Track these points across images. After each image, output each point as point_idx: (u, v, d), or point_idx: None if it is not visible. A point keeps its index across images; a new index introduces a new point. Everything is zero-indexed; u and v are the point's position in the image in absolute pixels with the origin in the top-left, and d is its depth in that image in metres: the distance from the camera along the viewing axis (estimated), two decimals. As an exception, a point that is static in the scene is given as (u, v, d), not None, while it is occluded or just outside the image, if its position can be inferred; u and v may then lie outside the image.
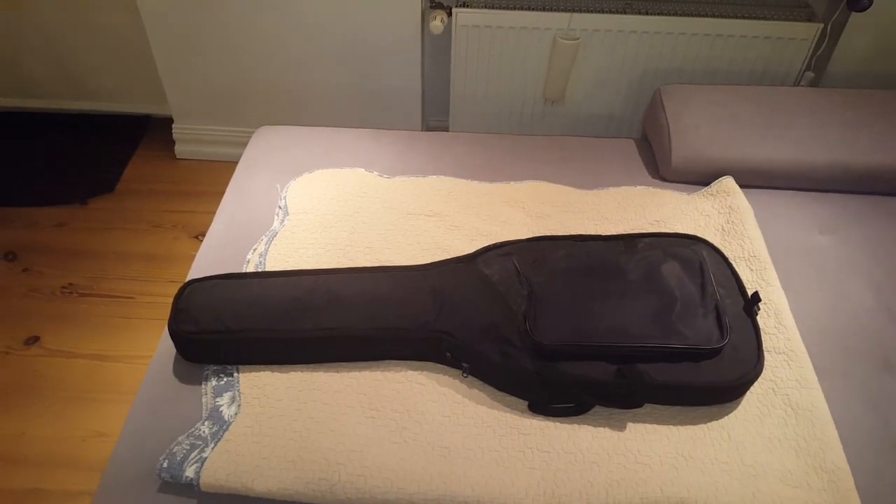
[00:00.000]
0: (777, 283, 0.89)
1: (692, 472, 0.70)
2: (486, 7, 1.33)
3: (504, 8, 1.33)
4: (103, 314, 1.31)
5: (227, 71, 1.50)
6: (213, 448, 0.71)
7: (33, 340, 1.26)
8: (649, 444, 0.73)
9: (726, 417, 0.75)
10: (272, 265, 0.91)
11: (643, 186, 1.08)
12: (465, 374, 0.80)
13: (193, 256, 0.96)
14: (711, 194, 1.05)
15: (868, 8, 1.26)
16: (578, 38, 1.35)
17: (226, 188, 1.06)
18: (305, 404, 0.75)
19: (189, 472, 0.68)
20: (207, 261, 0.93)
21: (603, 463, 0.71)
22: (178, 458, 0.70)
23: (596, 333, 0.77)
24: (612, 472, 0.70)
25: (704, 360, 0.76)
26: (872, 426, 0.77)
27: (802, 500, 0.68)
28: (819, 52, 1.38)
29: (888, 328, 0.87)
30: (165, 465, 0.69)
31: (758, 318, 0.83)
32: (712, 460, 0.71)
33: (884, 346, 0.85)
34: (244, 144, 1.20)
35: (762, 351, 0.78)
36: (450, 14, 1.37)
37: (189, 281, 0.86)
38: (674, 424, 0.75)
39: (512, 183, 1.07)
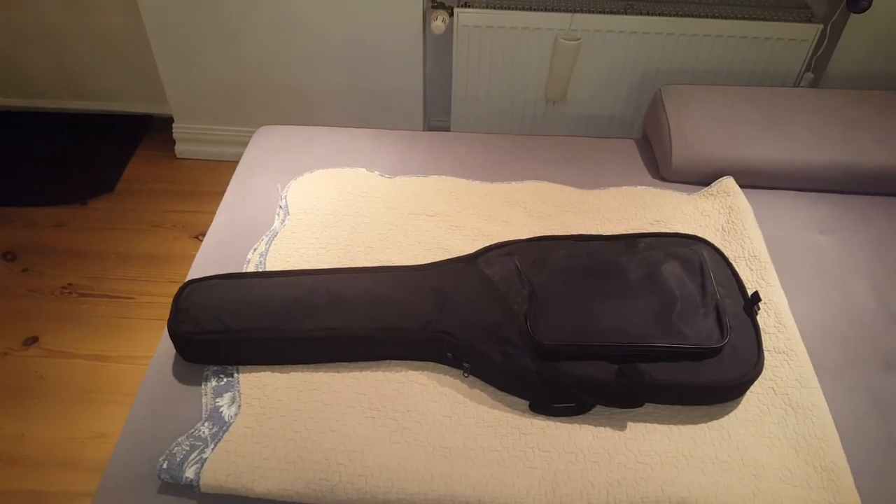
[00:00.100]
0: (777, 282, 0.89)
1: (693, 472, 0.70)
2: (487, 7, 1.33)
3: (505, 8, 1.33)
4: (103, 314, 1.31)
5: (228, 70, 1.50)
6: (213, 449, 0.70)
7: (33, 341, 1.26)
8: (650, 444, 0.73)
9: (726, 417, 0.76)
10: (272, 265, 0.91)
11: (644, 186, 1.08)
12: (465, 374, 0.80)
13: (194, 256, 0.96)
14: (712, 194, 1.05)
15: (867, 9, 1.26)
16: (580, 39, 1.35)
17: (226, 188, 1.06)
18: (306, 404, 0.75)
19: (189, 473, 0.68)
20: (207, 261, 0.93)
21: (604, 462, 0.71)
22: (178, 459, 0.69)
23: (596, 333, 0.77)
24: (612, 472, 0.70)
25: (705, 359, 0.77)
26: (872, 425, 0.77)
27: (802, 498, 0.68)
28: (819, 52, 1.38)
29: (888, 328, 0.87)
30: (165, 465, 0.69)
31: (758, 317, 0.83)
32: (713, 459, 0.71)
33: (884, 346, 0.85)
34: (245, 144, 1.20)
35: (762, 350, 0.78)
36: (451, 14, 1.37)
37: (189, 281, 0.85)
38: (674, 424, 0.75)
39: (513, 183, 1.07)
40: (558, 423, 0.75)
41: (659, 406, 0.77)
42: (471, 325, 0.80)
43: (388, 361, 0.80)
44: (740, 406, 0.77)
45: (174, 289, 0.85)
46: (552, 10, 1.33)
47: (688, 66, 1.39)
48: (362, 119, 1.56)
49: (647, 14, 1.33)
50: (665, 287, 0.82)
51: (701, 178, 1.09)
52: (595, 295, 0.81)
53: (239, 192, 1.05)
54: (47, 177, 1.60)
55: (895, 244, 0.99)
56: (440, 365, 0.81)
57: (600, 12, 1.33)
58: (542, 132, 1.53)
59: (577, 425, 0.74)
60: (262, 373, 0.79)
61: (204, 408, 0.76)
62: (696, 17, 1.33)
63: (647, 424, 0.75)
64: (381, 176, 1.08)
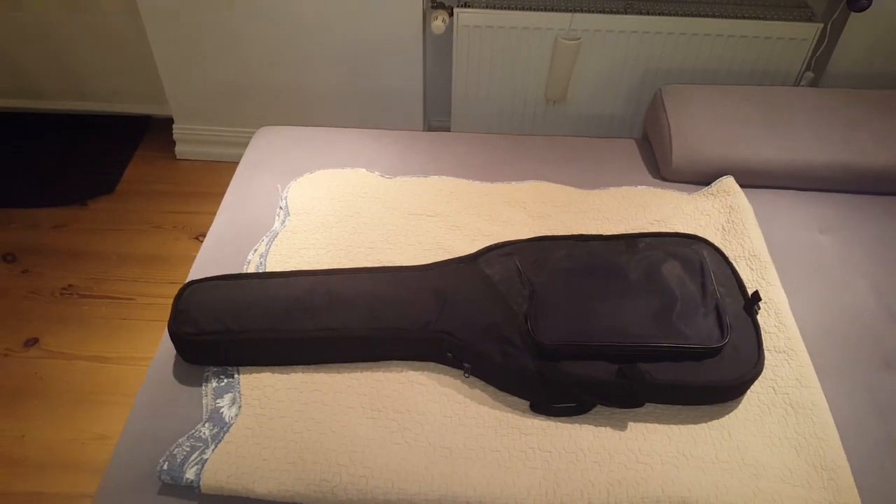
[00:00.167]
0: (777, 282, 0.89)
1: (693, 471, 0.70)
2: (487, 7, 1.33)
3: (505, 8, 1.33)
4: (103, 315, 1.31)
5: (228, 71, 1.49)
6: (213, 450, 0.70)
7: (33, 342, 1.26)
8: (650, 444, 0.73)
9: (727, 416, 0.76)
10: (273, 266, 0.91)
11: (644, 186, 1.08)
12: (466, 375, 0.80)
13: (194, 257, 0.96)
14: (712, 194, 1.05)
15: (867, 8, 1.26)
16: (580, 39, 1.35)
17: (226, 189, 1.06)
18: (306, 405, 0.75)
19: (189, 474, 0.68)
20: (208, 261, 0.93)
21: (604, 462, 0.71)
22: (179, 460, 0.69)
23: (597, 333, 0.77)
24: (613, 472, 0.70)
25: (705, 359, 0.77)
26: (872, 425, 0.77)
27: (803, 498, 0.68)
28: (819, 52, 1.38)
29: (888, 327, 0.87)
30: (166, 466, 0.69)
31: (758, 317, 0.83)
32: (713, 459, 0.71)
33: (884, 345, 0.85)
34: (245, 145, 1.20)
35: (762, 350, 0.78)
36: (451, 14, 1.37)
37: (189, 282, 0.85)
38: (674, 424, 0.75)
39: (513, 183, 1.07)
40: (559, 424, 0.75)
41: (659, 406, 0.77)
42: (471, 325, 0.80)
43: (388, 362, 0.81)
44: (741, 406, 0.77)
45: (174, 290, 0.85)
46: (552, 9, 1.33)
47: (688, 66, 1.39)
48: (362, 119, 1.56)
49: (647, 14, 1.33)
50: (665, 287, 0.82)
51: (701, 178, 1.09)
52: (595, 295, 0.81)
53: (239, 193, 1.05)
54: (47, 178, 1.60)
55: (895, 244, 0.99)
56: (440, 365, 0.81)
57: (600, 12, 1.33)
58: (542, 132, 1.53)
59: (577, 425, 0.74)
60: (263, 373, 0.79)
61: (204, 409, 0.76)
62: (696, 16, 1.33)
63: (648, 424, 0.75)
64: (382, 176, 1.08)
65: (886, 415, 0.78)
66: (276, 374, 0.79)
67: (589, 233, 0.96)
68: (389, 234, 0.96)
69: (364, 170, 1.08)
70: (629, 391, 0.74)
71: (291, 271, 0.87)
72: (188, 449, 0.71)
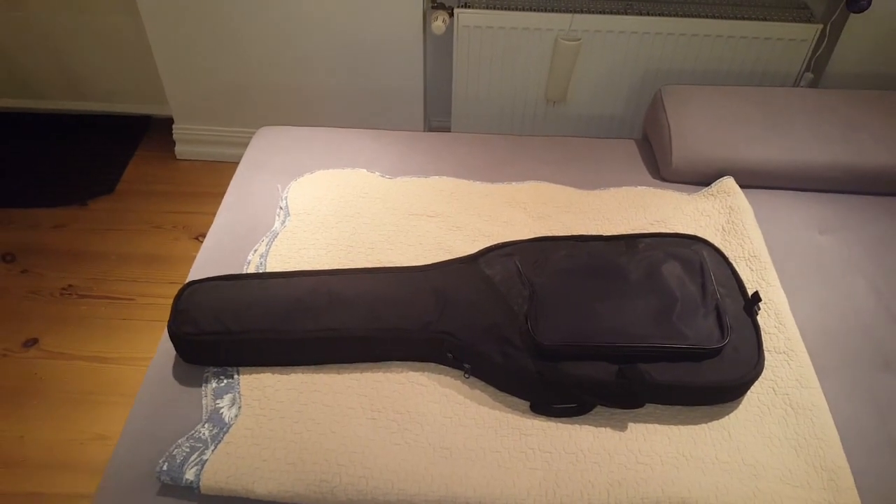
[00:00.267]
0: (777, 282, 0.89)
1: (693, 472, 0.70)
2: (487, 8, 1.33)
3: (506, 9, 1.33)
4: (103, 316, 1.30)
5: (228, 71, 1.49)
6: (213, 450, 0.70)
7: (32, 342, 1.26)
8: (650, 444, 0.73)
9: (727, 417, 0.76)
10: (273, 266, 0.91)
11: (644, 187, 1.08)
12: (466, 375, 0.80)
13: (194, 257, 0.96)
14: (712, 194, 1.05)
15: (867, 9, 1.27)
16: (580, 39, 1.35)
17: (226, 189, 1.06)
18: (306, 406, 0.75)
19: (189, 475, 0.68)
20: (208, 262, 0.93)
21: (604, 463, 0.71)
22: (178, 461, 0.69)
23: (597, 334, 0.77)
24: (613, 472, 0.70)
25: (705, 359, 0.77)
26: (872, 425, 0.77)
27: (802, 499, 0.68)
28: (818, 52, 1.39)
29: (888, 328, 0.87)
30: (165, 467, 0.69)
31: (758, 317, 0.83)
32: (713, 460, 0.71)
33: (883, 346, 0.85)
34: (245, 145, 1.20)
35: (762, 351, 0.78)
36: (451, 14, 1.37)
37: (189, 282, 0.85)
38: (674, 424, 0.75)
39: (513, 183, 1.07)
40: (559, 424, 0.75)
41: (659, 406, 0.77)
42: (471, 326, 0.80)
43: (388, 363, 0.80)
44: (741, 406, 0.77)
45: (174, 290, 0.85)
46: (552, 10, 1.33)
47: (688, 67, 1.39)
48: (363, 119, 1.56)
49: (647, 14, 1.33)
50: (665, 287, 0.82)
51: (701, 179, 1.09)
52: (595, 295, 0.81)
53: (239, 193, 1.05)
54: (47, 178, 1.60)
55: (895, 244, 0.99)
56: (441, 366, 0.81)
57: (600, 13, 1.33)
58: (542, 132, 1.53)
59: (577, 426, 0.74)
60: (263, 374, 0.79)
61: (204, 409, 0.76)
62: (695, 17, 1.33)
63: (648, 425, 0.75)
64: (382, 176, 1.07)
65: (886, 415, 0.78)
66: (275, 375, 0.79)
67: (589, 233, 0.96)
68: (390, 234, 0.96)
69: (364, 170, 1.08)
70: (629, 392, 0.74)
71: (292, 271, 0.87)
72: (188, 449, 0.71)
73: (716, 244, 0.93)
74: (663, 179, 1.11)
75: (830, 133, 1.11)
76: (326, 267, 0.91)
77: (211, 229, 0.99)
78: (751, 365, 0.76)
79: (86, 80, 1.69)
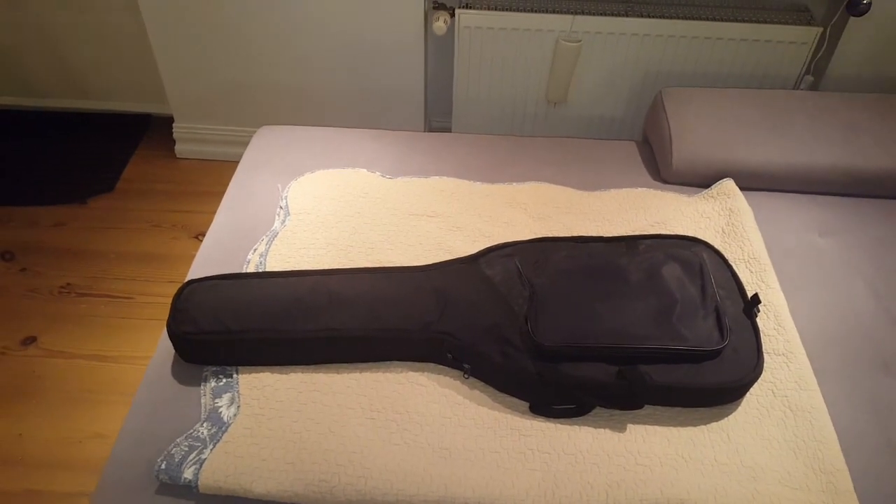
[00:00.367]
0: (777, 285, 0.89)
1: (692, 474, 0.70)
2: (488, 8, 1.34)
3: (507, 9, 1.33)
4: (102, 314, 1.30)
5: (229, 70, 1.49)
6: (211, 449, 0.70)
7: (31, 341, 1.25)
8: (649, 446, 0.73)
9: (726, 419, 0.76)
10: (273, 265, 0.91)
11: (644, 188, 1.09)
12: (466, 376, 0.79)
13: (193, 256, 0.96)
14: (712, 196, 1.06)
15: (867, 12, 1.27)
16: (581, 41, 1.35)
17: (226, 188, 1.06)
18: (305, 405, 0.75)
19: (187, 474, 0.68)
20: (207, 261, 0.93)
21: (603, 464, 0.71)
22: (177, 460, 0.69)
23: (597, 335, 0.77)
24: (612, 474, 0.70)
25: (705, 361, 0.77)
26: (871, 428, 0.77)
27: (801, 501, 0.68)
28: (818, 55, 1.39)
29: (887, 331, 0.87)
30: (164, 466, 0.69)
31: (757, 319, 0.83)
32: (712, 462, 0.71)
33: (883, 349, 0.85)
34: (245, 144, 1.20)
35: (762, 353, 0.78)
36: (453, 15, 1.37)
37: (188, 281, 0.85)
38: (674, 426, 0.75)
39: (514, 184, 1.07)
40: (558, 425, 0.75)
41: (658, 408, 0.77)
42: (472, 326, 0.80)
43: (388, 363, 0.80)
44: (740, 408, 0.77)
45: (173, 289, 0.85)
46: (553, 11, 1.33)
47: (688, 69, 1.40)
48: (363, 119, 1.56)
49: (648, 16, 1.33)
50: (665, 289, 0.82)
51: (701, 180, 1.09)
52: (595, 296, 0.82)
53: (239, 192, 1.05)
54: (47, 176, 1.60)
55: (895, 247, 1.00)
56: (440, 366, 0.81)
57: (601, 14, 1.33)
58: (542, 133, 1.53)
59: (576, 427, 0.74)
60: (262, 373, 0.79)
61: (203, 408, 0.76)
62: (696, 19, 1.33)
63: (647, 426, 0.75)
64: (382, 176, 1.07)
65: (885, 418, 0.78)
66: (275, 374, 0.79)
67: (589, 234, 0.96)
68: (390, 234, 0.96)
69: (365, 170, 1.08)
70: (629, 393, 0.74)
71: (291, 271, 0.87)
72: (186, 448, 0.71)
73: (716, 246, 0.93)
74: (663, 181, 1.12)
75: (830, 136, 1.11)
76: (326, 267, 0.91)
77: (211, 228, 0.99)
78: (750, 367, 0.77)
79: (86, 79, 1.69)
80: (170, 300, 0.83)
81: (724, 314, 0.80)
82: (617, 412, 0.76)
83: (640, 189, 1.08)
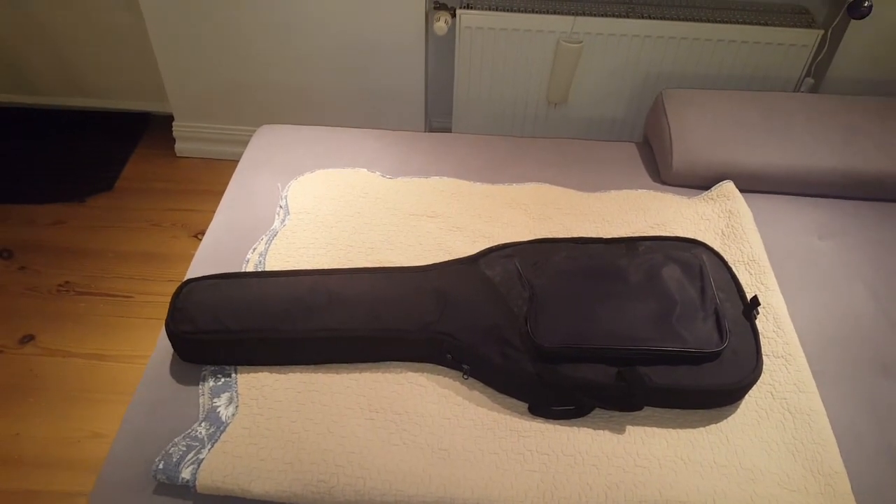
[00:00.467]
0: (776, 287, 0.89)
1: (691, 476, 0.70)
2: (489, 9, 1.34)
3: (508, 10, 1.33)
4: (100, 313, 1.30)
5: (229, 69, 1.49)
6: (209, 449, 0.70)
7: (29, 339, 1.25)
8: (648, 447, 0.73)
9: (725, 421, 0.76)
10: (272, 265, 0.91)
11: (644, 190, 1.09)
12: (465, 376, 0.79)
13: (192, 255, 0.96)
14: (712, 198, 1.06)
15: (868, 15, 1.27)
16: (581, 42, 1.35)
17: (226, 187, 1.06)
18: (304, 405, 0.75)
19: (185, 474, 0.68)
20: (206, 260, 0.93)
21: (602, 466, 0.71)
22: (175, 460, 0.69)
23: (596, 336, 0.77)
24: (611, 475, 0.70)
25: (704, 363, 0.77)
26: (870, 430, 0.77)
27: (799, 503, 0.68)
28: (819, 58, 1.39)
29: (886, 333, 0.87)
30: (161, 466, 0.68)
31: (757, 322, 0.83)
32: (711, 463, 0.71)
33: (882, 351, 0.85)
34: (245, 143, 1.20)
35: (761, 355, 0.78)
36: (454, 15, 1.37)
37: (187, 280, 0.85)
38: (673, 427, 0.75)
39: (514, 185, 1.07)
40: (557, 426, 0.75)
41: (658, 409, 0.77)
42: (471, 327, 0.80)
43: (387, 363, 0.80)
44: (739, 410, 0.77)
45: (172, 288, 0.85)
46: (554, 12, 1.33)
47: (689, 70, 1.40)
48: (364, 119, 1.56)
49: (649, 18, 1.34)
50: (665, 290, 0.82)
51: (701, 182, 1.09)
52: (595, 298, 0.82)
53: (239, 192, 1.05)
54: (46, 174, 1.59)
55: (894, 250, 1.00)
56: (440, 367, 0.80)
57: (602, 15, 1.33)
58: (543, 134, 1.53)
59: (575, 428, 0.74)
60: (261, 373, 0.79)
61: (201, 408, 0.76)
62: (697, 21, 1.33)
63: (646, 428, 0.75)
64: (382, 176, 1.07)
65: (884, 420, 0.78)
66: (273, 374, 0.78)
67: (589, 235, 0.96)
68: (390, 234, 0.96)
69: (365, 170, 1.08)
70: (628, 394, 0.74)
71: (291, 271, 0.87)
72: (184, 448, 0.70)
73: (715, 248, 0.93)
74: (663, 183, 1.12)
75: (830, 138, 1.11)
76: (326, 266, 0.90)
77: (210, 227, 0.98)
78: (749, 369, 0.77)
79: (86, 77, 1.69)
80: (169, 299, 0.83)
81: (724, 316, 0.80)
82: (616, 414, 0.76)
83: (640, 190, 1.08)
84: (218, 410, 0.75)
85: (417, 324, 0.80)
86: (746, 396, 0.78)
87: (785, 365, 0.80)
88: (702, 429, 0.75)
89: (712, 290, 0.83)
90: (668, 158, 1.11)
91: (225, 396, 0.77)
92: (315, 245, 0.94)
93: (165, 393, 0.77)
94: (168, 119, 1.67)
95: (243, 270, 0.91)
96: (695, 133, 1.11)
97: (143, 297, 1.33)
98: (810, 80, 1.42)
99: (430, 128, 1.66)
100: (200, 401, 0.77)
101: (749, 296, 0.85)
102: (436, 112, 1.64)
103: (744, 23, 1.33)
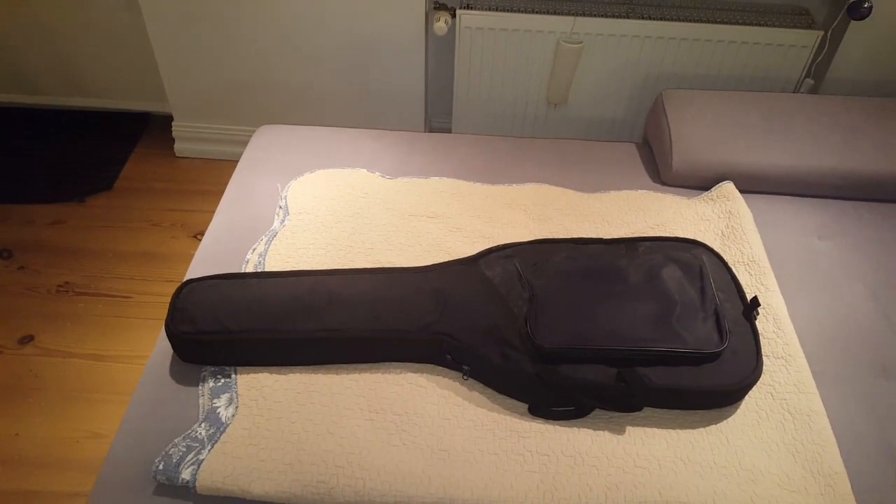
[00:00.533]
0: (776, 287, 0.89)
1: (691, 476, 0.70)
2: (489, 9, 1.34)
3: (508, 10, 1.33)
4: (100, 313, 1.30)
5: (229, 69, 1.49)
6: (209, 450, 0.70)
7: (28, 339, 1.25)
8: (648, 448, 0.73)
9: (725, 422, 0.76)
10: (272, 265, 0.91)
11: (644, 190, 1.09)
12: (465, 377, 0.79)
13: (192, 256, 0.96)
14: (711, 199, 1.06)
15: (868, 16, 1.27)
16: (582, 42, 1.35)
17: (225, 187, 1.06)
18: (304, 406, 0.75)
19: (185, 475, 0.68)
20: (206, 260, 0.92)
21: (602, 466, 0.71)
22: (175, 460, 0.69)
23: (596, 336, 0.77)
24: (610, 476, 0.70)
25: (704, 364, 0.77)
26: (869, 431, 0.77)
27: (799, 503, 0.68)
28: (819, 59, 1.39)
29: (886, 334, 0.87)
30: (161, 466, 0.68)
31: (757, 322, 0.83)
32: (711, 464, 0.71)
33: (881, 352, 0.85)
34: (245, 143, 1.19)
35: (761, 355, 0.78)
36: (454, 15, 1.37)
37: (187, 280, 0.85)
38: (673, 428, 0.75)
39: (514, 185, 1.07)
40: (557, 427, 0.75)
41: (658, 410, 0.77)
42: (471, 327, 0.80)
43: (387, 363, 0.80)
44: (739, 411, 0.77)
45: (172, 288, 0.84)
46: (554, 13, 1.33)
47: (689, 71, 1.40)
48: (363, 119, 1.56)
49: (649, 18, 1.34)
50: (665, 291, 0.82)
51: (701, 183, 1.10)
52: (595, 298, 0.81)
53: (238, 192, 1.04)
54: (45, 174, 1.59)
55: (894, 250, 1.00)
56: (439, 367, 0.80)
57: (602, 16, 1.33)
58: (543, 135, 1.53)
59: (575, 429, 0.74)
60: (260, 374, 0.79)
61: (201, 409, 0.76)
62: (697, 22, 1.33)
63: (646, 428, 0.75)
64: (382, 177, 1.07)
65: (884, 421, 0.78)
66: (273, 375, 0.78)
67: (589, 236, 0.96)
68: (389, 234, 0.96)
69: (364, 170, 1.08)
70: (628, 395, 0.74)
71: (291, 271, 0.87)
72: (184, 449, 0.70)
73: (715, 248, 0.93)
74: (663, 183, 1.12)
75: (830, 139, 1.11)
76: (326, 267, 0.90)
77: (210, 227, 0.98)
78: (749, 370, 0.77)
79: (86, 77, 1.69)
80: (168, 299, 0.83)
81: (724, 317, 0.80)
82: (616, 414, 0.76)
83: (639, 191, 1.08)
84: (218, 411, 0.75)
85: (417, 324, 0.80)
86: (746, 397, 0.78)
87: (785, 365, 0.80)
88: (702, 429, 0.75)
89: (712, 290, 0.83)
90: (668, 159, 1.11)
91: (225, 397, 0.77)
92: (315, 245, 0.94)
93: (165, 393, 0.77)
94: (168, 119, 1.67)
95: (243, 271, 0.90)
96: (695, 134, 1.11)
97: (143, 297, 1.33)
98: (810, 81, 1.42)
99: (430, 128, 1.66)
100: (200, 401, 0.76)
101: (749, 296, 0.85)
102: (436, 112, 1.64)
103: (744, 23, 1.33)
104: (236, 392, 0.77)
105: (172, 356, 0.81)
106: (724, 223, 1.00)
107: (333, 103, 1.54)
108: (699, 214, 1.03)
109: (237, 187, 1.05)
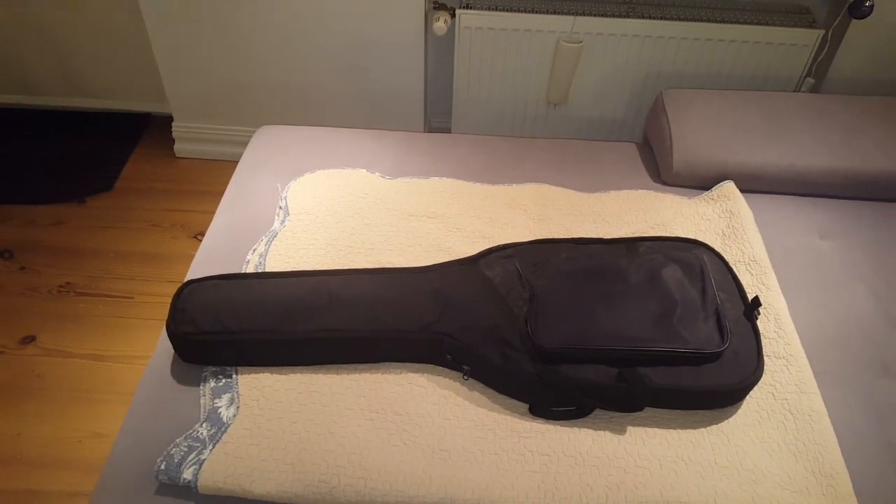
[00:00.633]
0: (777, 287, 0.89)
1: (692, 476, 0.70)
2: (489, 9, 1.33)
3: (507, 10, 1.33)
4: (101, 314, 1.30)
5: (229, 69, 1.49)
6: (211, 450, 0.70)
7: (29, 340, 1.25)
8: (649, 448, 0.73)
9: (726, 422, 0.76)
10: (272, 266, 0.91)
11: (644, 190, 1.08)
12: (465, 377, 0.79)
13: (192, 256, 0.96)
14: (712, 198, 1.06)
15: (869, 15, 1.27)
16: (581, 42, 1.35)
17: (226, 187, 1.06)
18: (305, 406, 0.75)
19: (187, 474, 0.68)
20: (207, 261, 0.93)
21: (603, 466, 0.71)
22: (176, 460, 0.69)
23: (597, 337, 0.77)
24: (611, 476, 0.70)
25: (705, 364, 0.77)
26: (871, 431, 0.77)
27: (802, 504, 0.68)
28: (820, 58, 1.39)
29: (887, 334, 0.87)
30: (163, 466, 0.68)
31: (758, 322, 0.83)
32: (712, 464, 0.71)
33: (883, 352, 0.85)
34: (245, 143, 1.19)
35: (762, 355, 0.78)
36: (453, 15, 1.37)
37: (188, 281, 0.85)
38: (674, 428, 0.75)
39: (514, 185, 1.07)
40: (558, 427, 0.75)
41: (658, 410, 0.77)
42: (471, 327, 0.80)
43: (387, 364, 0.80)
44: (740, 411, 0.77)
45: (173, 288, 0.85)
46: (554, 12, 1.33)
47: (689, 70, 1.40)
48: (363, 120, 1.56)
49: (649, 18, 1.33)
50: (665, 291, 0.82)
51: (701, 183, 1.09)
52: (595, 298, 0.81)
53: (239, 192, 1.05)
54: (46, 175, 1.59)
55: (895, 250, 1.00)
56: (440, 367, 0.80)
57: (602, 15, 1.33)
58: (543, 135, 1.53)
59: (576, 429, 0.74)
60: (261, 374, 0.79)
61: (202, 409, 0.76)
62: (697, 21, 1.33)
63: (647, 428, 0.75)
64: (382, 177, 1.07)
65: (885, 421, 0.78)
66: (274, 375, 0.79)
67: (589, 236, 0.96)
68: (389, 235, 0.96)
69: (364, 170, 1.08)
70: (628, 395, 0.74)
71: (291, 271, 0.87)
72: (186, 449, 0.71)
73: (716, 248, 0.93)
74: (664, 183, 1.12)
75: (831, 138, 1.11)
76: (326, 267, 0.90)
77: (210, 228, 0.98)
78: (750, 370, 0.76)
79: (85, 77, 1.69)
80: (169, 300, 0.83)
81: (725, 317, 0.80)
82: (617, 414, 0.76)
83: (640, 191, 1.08)
84: (219, 411, 0.75)
85: (417, 324, 0.80)
86: (747, 397, 0.78)
87: (786, 365, 0.80)
88: (703, 429, 0.75)
89: (713, 290, 0.83)
90: (668, 159, 1.11)
91: (226, 397, 0.77)
92: (315, 246, 0.94)
93: (166, 393, 0.77)
94: (167, 119, 1.67)
95: (243, 271, 0.90)
96: (695, 133, 1.11)
97: (144, 297, 1.34)
98: (811, 80, 1.42)
99: (430, 128, 1.66)
100: (202, 401, 0.77)
101: (750, 296, 0.85)
102: (435, 112, 1.64)
103: (744, 23, 1.33)
104: (237, 392, 0.77)
105: (173, 356, 0.81)
106: (724, 223, 1.00)
107: (333, 103, 1.54)
108: (700, 214, 1.03)
109: (237, 188, 1.06)
